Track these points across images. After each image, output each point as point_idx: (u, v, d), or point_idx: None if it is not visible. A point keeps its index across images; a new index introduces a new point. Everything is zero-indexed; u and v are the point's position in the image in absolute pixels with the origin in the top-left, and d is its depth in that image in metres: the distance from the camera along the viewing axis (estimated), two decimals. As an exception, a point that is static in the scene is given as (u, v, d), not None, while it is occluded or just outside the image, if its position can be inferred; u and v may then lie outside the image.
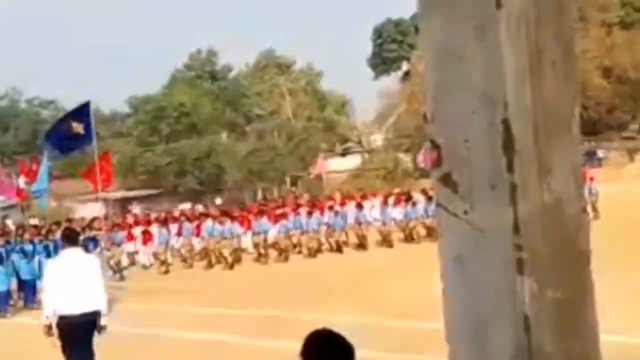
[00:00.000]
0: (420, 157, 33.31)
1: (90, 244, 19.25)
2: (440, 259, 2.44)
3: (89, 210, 50.20)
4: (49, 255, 21.04)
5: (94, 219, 28.58)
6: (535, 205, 2.27)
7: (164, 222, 33.52)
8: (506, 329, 2.24)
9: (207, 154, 69.07)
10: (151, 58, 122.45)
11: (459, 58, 2.34)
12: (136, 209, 55.07)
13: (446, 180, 2.40)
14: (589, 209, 28.80)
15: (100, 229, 25.33)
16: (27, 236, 24.21)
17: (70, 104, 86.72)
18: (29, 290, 22.46)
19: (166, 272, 29.45)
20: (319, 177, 64.12)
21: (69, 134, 21.68)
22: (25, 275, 22.59)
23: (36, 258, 22.89)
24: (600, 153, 58.16)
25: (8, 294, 22.31)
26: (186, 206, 52.31)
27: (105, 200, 34.96)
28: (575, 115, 2.48)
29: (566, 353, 2.32)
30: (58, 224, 27.24)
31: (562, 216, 2.35)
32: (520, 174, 2.25)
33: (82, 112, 22.15)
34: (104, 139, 77.32)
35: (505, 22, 2.25)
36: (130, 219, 38.58)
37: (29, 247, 23.26)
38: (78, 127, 21.48)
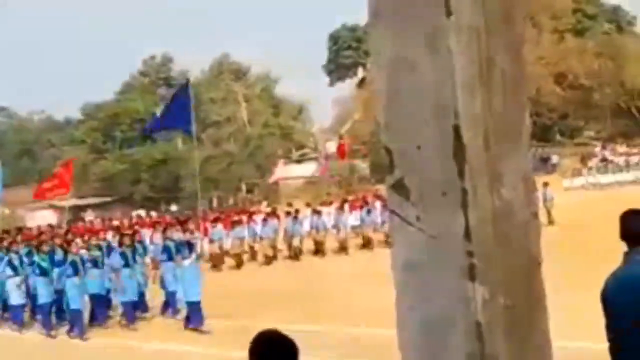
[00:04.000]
0: (318, 168, 32.87)
1: (185, 249, 17.17)
2: (393, 266, 2.45)
3: (41, 218, 49.54)
4: (14, 270, 18.32)
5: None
6: (486, 212, 2.29)
7: (117, 230, 33.14)
8: (459, 336, 2.26)
9: (162, 160, 68.60)
10: (105, 64, 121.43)
11: (410, 67, 2.35)
12: (90, 216, 54.44)
13: (398, 187, 2.41)
14: (544, 215, 29.18)
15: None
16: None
17: (23, 111, 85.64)
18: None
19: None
20: (275, 184, 64.01)
21: (169, 114, 21.23)
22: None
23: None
24: (554, 159, 58.89)
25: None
26: (140, 213, 51.83)
27: (58, 208, 34.51)
28: (525, 123, 2.51)
29: (519, 359, 2.34)
30: (7, 232, 26.75)
31: (512, 222, 2.38)
32: (471, 180, 2.27)
33: (181, 93, 21.95)
34: (57, 146, 76.56)
35: (456, 31, 2.27)
36: (83, 226, 38.08)
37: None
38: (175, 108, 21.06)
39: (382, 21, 2.44)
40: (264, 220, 29.70)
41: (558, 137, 64.38)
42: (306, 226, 29.66)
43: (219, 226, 29.54)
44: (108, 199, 67.41)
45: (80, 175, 68.52)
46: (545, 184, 31.88)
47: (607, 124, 65.59)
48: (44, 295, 17.37)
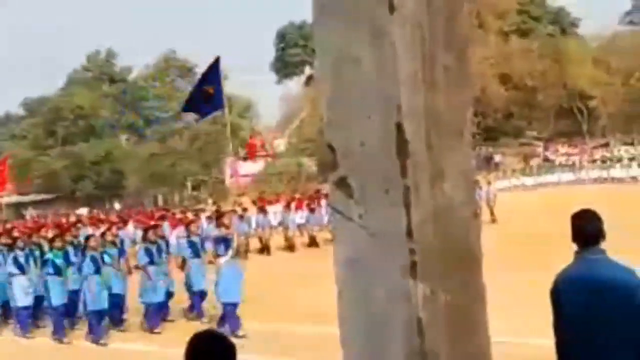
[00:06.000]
0: (227, 169, 32.38)
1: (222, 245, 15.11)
2: (335, 263, 2.45)
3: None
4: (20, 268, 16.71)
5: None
6: (428, 210, 2.30)
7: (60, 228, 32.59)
8: (400, 332, 2.26)
9: (106, 157, 67.80)
10: (48, 59, 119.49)
11: (354, 63, 2.35)
12: (31, 214, 53.54)
13: (341, 184, 2.40)
14: (488, 212, 29.57)
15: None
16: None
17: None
18: None
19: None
20: (221, 182, 63.64)
21: (205, 98, 20.20)
22: None
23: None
24: (497, 158, 59.67)
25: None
26: (83, 211, 51.16)
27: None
28: (468, 121, 2.52)
29: (459, 354, 2.35)
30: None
31: (454, 220, 2.39)
32: (414, 178, 2.27)
33: (212, 72, 21.09)
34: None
35: (399, 27, 2.27)
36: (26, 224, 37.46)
37: None
38: (210, 89, 19.96)
39: (326, 17, 2.43)
40: (209, 218, 29.53)
41: (502, 136, 65.20)
42: (252, 224, 29.58)
43: (165, 225, 29.28)
44: (50, 196, 66.38)
45: (21, 172, 67.38)
46: (489, 183, 32.34)
47: (549, 125, 66.65)
48: (57, 296, 15.48)
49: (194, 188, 64.99)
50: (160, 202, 62.13)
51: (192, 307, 16.03)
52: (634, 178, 45.54)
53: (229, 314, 14.00)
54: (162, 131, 70.27)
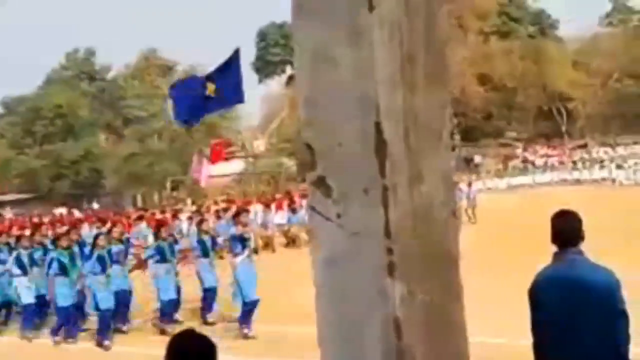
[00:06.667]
0: (193, 170, 31.95)
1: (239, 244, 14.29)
2: (313, 263, 2.44)
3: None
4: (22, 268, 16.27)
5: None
6: (406, 209, 2.30)
7: (36, 227, 32.30)
8: (377, 331, 2.26)
9: (84, 157, 67.41)
10: (27, 57, 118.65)
11: (332, 62, 2.34)
12: (9, 213, 53.15)
13: (320, 184, 2.40)
14: (468, 213, 29.71)
15: None
16: None
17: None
18: None
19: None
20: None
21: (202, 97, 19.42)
22: None
23: None
24: (477, 159, 59.90)
25: None
26: (62, 211, 50.83)
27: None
28: (447, 121, 2.52)
29: (436, 354, 2.35)
30: None
31: (432, 220, 2.39)
32: (392, 178, 2.27)
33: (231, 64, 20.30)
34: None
35: (378, 27, 2.27)
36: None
37: None
38: (211, 89, 19.19)
39: (304, 16, 2.42)
40: (189, 218, 29.44)
41: (482, 137, 65.49)
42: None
43: (143, 224, 29.12)
44: (28, 195, 65.90)
45: (0, 170, 66.90)
46: (469, 184, 32.48)
47: (529, 126, 67.04)
48: (64, 297, 14.87)
49: (173, 188, 64.74)
50: (139, 202, 61.87)
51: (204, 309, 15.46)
52: (612, 180, 45.86)
53: (248, 313, 13.58)
54: (142, 131, 69.93)
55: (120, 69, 79.04)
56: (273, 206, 32.10)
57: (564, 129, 64.25)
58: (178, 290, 15.34)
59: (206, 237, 16.29)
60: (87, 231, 28.29)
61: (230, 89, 19.26)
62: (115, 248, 15.40)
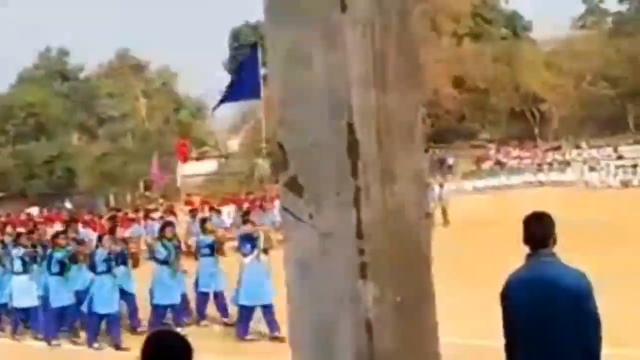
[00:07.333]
0: (153, 172, 31.39)
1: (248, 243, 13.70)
2: (286, 264, 2.43)
3: None
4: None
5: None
6: (379, 210, 2.29)
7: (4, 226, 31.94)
8: (349, 333, 2.25)
9: (57, 156, 66.92)
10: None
11: (305, 63, 2.33)
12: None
13: (292, 184, 2.39)
14: (440, 214, 29.78)
15: None
16: None
17: None
18: None
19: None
20: (174, 181, 63.17)
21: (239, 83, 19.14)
22: None
23: None
24: (450, 161, 60.09)
25: None
26: (34, 210, 50.35)
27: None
28: (419, 122, 2.52)
29: (408, 356, 2.35)
30: None
31: (404, 221, 2.39)
32: (364, 178, 2.26)
33: (250, 59, 20.01)
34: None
35: (351, 27, 2.26)
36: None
37: None
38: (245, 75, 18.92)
39: (277, 16, 2.41)
40: (162, 218, 29.27)
41: (455, 139, 65.74)
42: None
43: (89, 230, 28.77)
44: (0, 194, 65.32)
45: (-29, 170, 66.21)
46: (441, 185, 32.58)
47: (502, 127, 67.39)
48: (61, 298, 14.55)
49: (146, 188, 64.41)
50: (112, 201, 61.48)
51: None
52: (585, 182, 46.19)
53: (244, 317, 13.06)
54: (115, 130, 69.56)
55: (93, 68, 78.47)
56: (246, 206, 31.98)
57: (536, 131, 64.64)
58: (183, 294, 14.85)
59: (211, 237, 16.02)
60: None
61: (248, 83, 19.12)
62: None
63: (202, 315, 14.89)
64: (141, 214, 31.49)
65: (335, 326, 2.28)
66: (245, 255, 13.63)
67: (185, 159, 33.39)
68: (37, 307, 15.09)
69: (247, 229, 14.17)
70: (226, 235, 24.66)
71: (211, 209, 30.50)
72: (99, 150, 67.82)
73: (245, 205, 31.68)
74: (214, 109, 20.16)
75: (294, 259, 2.40)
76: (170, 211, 31.33)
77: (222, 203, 34.50)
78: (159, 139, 65.52)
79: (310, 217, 2.33)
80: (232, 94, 21.24)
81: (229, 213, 31.72)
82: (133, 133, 68.56)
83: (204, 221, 17.65)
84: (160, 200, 45.33)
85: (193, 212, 28.59)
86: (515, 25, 74.77)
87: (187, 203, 37.43)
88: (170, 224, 17.26)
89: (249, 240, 13.86)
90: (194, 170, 64.87)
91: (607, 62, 62.69)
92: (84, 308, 14.27)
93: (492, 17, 72.99)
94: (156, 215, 30.66)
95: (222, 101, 21.26)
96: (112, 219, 29.54)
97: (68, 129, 72.94)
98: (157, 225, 28.40)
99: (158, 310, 14.36)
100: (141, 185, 64.84)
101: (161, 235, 15.71)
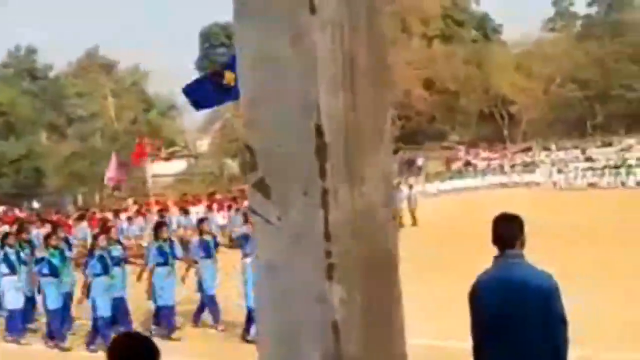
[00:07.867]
0: (109, 173, 30.94)
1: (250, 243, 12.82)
2: (253, 265, 2.43)
3: None
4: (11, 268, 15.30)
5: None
6: (346, 212, 2.29)
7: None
8: (315, 335, 2.25)
9: (26, 155, 66.31)
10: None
11: (273, 63, 2.33)
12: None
13: (260, 185, 2.38)
14: (409, 216, 29.90)
15: None
16: None
17: None
18: None
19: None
20: (143, 181, 62.85)
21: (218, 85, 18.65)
22: None
23: None
24: (420, 162, 60.34)
25: None
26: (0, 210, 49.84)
27: None
28: (388, 123, 2.52)
29: (375, 357, 2.35)
30: None
31: (372, 223, 2.38)
32: (332, 180, 2.26)
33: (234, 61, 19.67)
34: None
35: (320, 28, 2.26)
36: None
37: None
38: (230, 78, 18.48)
39: (246, 16, 2.40)
40: (129, 218, 29.12)
41: (425, 140, 66.03)
42: (174, 225, 29.20)
43: (84, 224, 28.68)
44: (-33, 194, 64.55)
45: (-64, 169, 65.33)
46: (410, 186, 32.71)
47: (471, 129, 67.80)
48: (54, 300, 14.08)
49: (114, 188, 63.96)
50: (80, 201, 61.01)
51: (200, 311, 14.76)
52: (554, 183, 46.63)
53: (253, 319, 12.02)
54: (84, 130, 69.03)
55: (62, 67, 77.81)
56: (215, 207, 31.94)
57: (506, 132, 65.09)
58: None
59: (209, 238, 15.70)
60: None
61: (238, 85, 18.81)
62: (115, 250, 14.75)
63: (216, 318, 14.34)
64: (109, 214, 31.27)
65: (302, 327, 2.27)
66: (246, 255, 13.16)
67: (137, 162, 32.90)
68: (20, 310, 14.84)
69: (247, 229, 13.88)
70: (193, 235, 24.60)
71: (181, 209, 30.39)
72: (68, 150, 67.24)
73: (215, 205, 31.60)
74: (198, 109, 19.52)
75: (262, 261, 2.39)
76: (139, 211, 31.16)
77: (189, 203, 34.36)
78: (127, 139, 65.11)
79: (277, 218, 2.32)
80: (235, 92, 20.94)
81: (197, 213, 31.56)
82: (102, 133, 68.08)
83: (201, 221, 17.18)
84: (130, 200, 45.04)
85: (161, 213, 28.47)
86: (486, 28, 75.24)
87: (156, 203, 37.15)
88: (163, 223, 16.87)
89: (250, 240, 12.85)
90: (163, 170, 64.59)
91: (576, 64, 63.34)
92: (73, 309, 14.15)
93: (462, 19, 73.39)
94: (124, 216, 30.43)
95: (210, 104, 20.95)
96: (81, 218, 29.34)
97: (37, 128, 72.25)
98: (125, 225, 28.30)
99: (163, 311, 14.01)
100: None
101: (156, 237, 14.99)
